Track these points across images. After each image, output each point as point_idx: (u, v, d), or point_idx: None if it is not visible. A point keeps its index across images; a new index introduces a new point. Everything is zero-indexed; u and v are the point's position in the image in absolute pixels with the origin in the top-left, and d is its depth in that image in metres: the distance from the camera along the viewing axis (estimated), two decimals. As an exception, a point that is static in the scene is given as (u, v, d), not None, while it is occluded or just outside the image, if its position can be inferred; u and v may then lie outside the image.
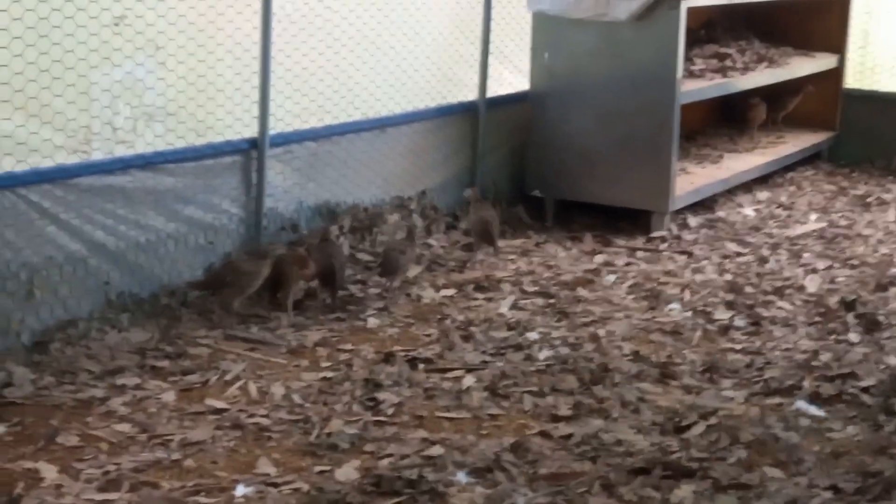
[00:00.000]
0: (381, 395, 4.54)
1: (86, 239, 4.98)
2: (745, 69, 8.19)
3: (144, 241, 5.24)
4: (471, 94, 7.16)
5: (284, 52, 5.90)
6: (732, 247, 6.88)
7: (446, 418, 4.41)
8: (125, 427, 4.19)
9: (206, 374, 4.71)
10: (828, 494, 3.82)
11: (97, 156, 5.14)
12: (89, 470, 3.85)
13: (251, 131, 5.71)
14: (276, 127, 5.83)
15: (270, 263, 5.32)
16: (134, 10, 5.18)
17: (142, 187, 5.21)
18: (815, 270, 6.39)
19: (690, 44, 7.74)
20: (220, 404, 4.43)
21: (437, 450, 4.06)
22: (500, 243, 6.55)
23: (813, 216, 7.59)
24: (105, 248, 5.06)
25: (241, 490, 3.76)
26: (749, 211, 7.68)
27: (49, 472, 3.83)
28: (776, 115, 9.10)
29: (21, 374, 4.52)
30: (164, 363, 4.79)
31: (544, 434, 4.27)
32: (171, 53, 5.39)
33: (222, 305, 5.26)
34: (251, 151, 5.71)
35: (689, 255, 6.71)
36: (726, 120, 9.23)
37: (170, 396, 4.48)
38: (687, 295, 5.94)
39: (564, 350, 5.09)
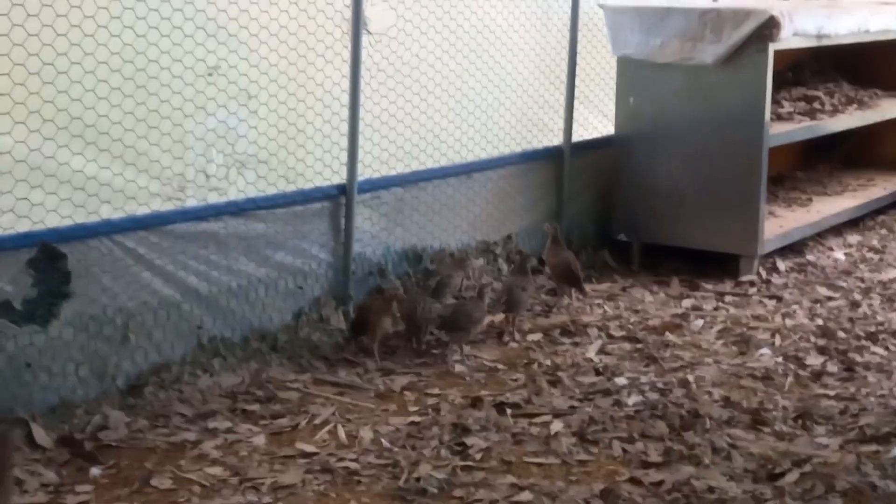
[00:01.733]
0: (468, 440, 4.54)
1: (179, 284, 5.08)
2: (835, 111, 8.10)
3: (236, 286, 5.32)
4: (556, 139, 7.18)
5: (372, 100, 5.98)
6: (823, 291, 6.77)
7: (535, 464, 4.39)
8: (217, 470, 4.24)
9: (295, 417, 4.76)
10: (928, 545, 3.73)
11: (191, 203, 5.24)
12: (183, 512, 3.91)
13: (340, 178, 5.79)
14: (364, 173, 5.90)
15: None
16: (227, 60, 5.30)
17: (234, 233, 5.31)
18: (909, 315, 6.27)
19: (778, 86, 7.68)
20: (309, 448, 4.47)
21: (526, 496, 4.05)
22: (586, 287, 6.53)
23: (905, 259, 7.46)
24: (198, 293, 5.15)
25: (331, 534, 3.79)
26: (839, 255, 7.56)
27: (144, 514, 3.90)
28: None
29: (116, 417, 4.61)
30: (255, 407, 4.85)
31: (634, 480, 4.23)
32: (262, 102, 5.50)
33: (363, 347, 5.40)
34: (340, 197, 5.78)
35: (779, 299, 6.62)
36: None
37: (260, 440, 4.53)
38: (777, 340, 5.86)
39: (653, 395, 5.04)
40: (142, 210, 4.98)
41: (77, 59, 4.66)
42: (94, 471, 4.21)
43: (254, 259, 5.40)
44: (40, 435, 4.34)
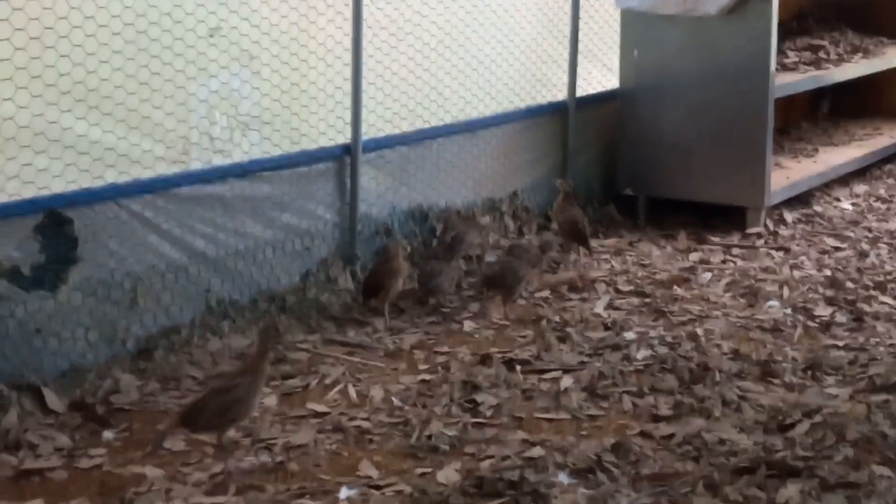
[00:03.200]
0: (479, 397, 4.55)
1: (186, 247, 5.07)
2: (840, 60, 8.05)
3: (243, 248, 5.32)
4: (560, 94, 7.14)
5: (375, 59, 5.95)
6: (831, 242, 6.76)
7: (545, 419, 4.40)
8: (229, 431, 4.25)
9: (306, 378, 4.77)
10: (939, 493, 3.74)
11: (195, 166, 5.23)
12: (196, 474, 3.93)
13: (344, 137, 5.77)
14: (368, 132, 5.87)
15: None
16: (228, 21, 5.26)
17: (239, 195, 5.30)
18: (917, 264, 6.27)
19: (782, 36, 7.63)
20: (321, 408, 4.49)
21: (537, 451, 4.06)
22: (593, 243, 6.52)
23: (913, 209, 7.44)
24: (205, 255, 5.15)
25: (344, 493, 3.80)
26: (847, 205, 7.55)
27: (157, 476, 3.91)
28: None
29: (127, 381, 4.62)
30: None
31: (645, 434, 4.24)
32: (265, 63, 5.47)
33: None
34: (344, 157, 5.77)
35: (787, 251, 6.62)
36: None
37: (272, 401, 4.54)
38: (786, 292, 5.86)
39: (662, 349, 5.05)
40: (147, 174, 4.97)
41: (78, 23, 4.63)
42: (107, 434, 4.23)
43: (260, 221, 5.40)
44: (52, 400, 4.36)
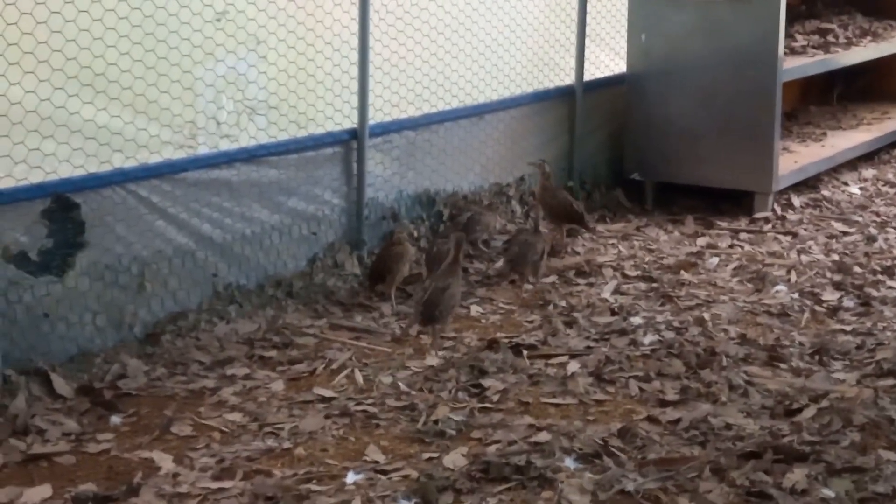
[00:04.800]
0: (486, 382, 4.55)
1: (193, 232, 5.08)
2: (849, 44, 8.02)
3: (250, 233, 5.33)
4: (567, 79, 7.12)
5: (382, 43, 5.93)
6: (838, 226, 6.75)
7: (552, 404, 4.41)
8: (236, 416, 4.27)
9: (313, 363, 4.77)
10: (946, 478, 3.74)
11: (202, 150, 5.23)
12: (203, 459, 3.94)
13: (351, 122, 5.76)
14: (375, 117, 5.87)
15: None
16: (235, 5, 5.25)
17: (246, 180, 5.29)
18: (925, 248, 6.26)
19: (791, 20, 7.60)
20: (327, 393, 4.49)
21: (544, 436, 4.06)
22: (601, 227, 6.50)
23: (921, 193, 7.42)
24: (212, 240, 5.15)
25: (351, 477, 3.81)
26: (854, 189, 7.53)
27: (165, 461, 3.92)
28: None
29: (134, 365, 4.63)
30: (272, 353, 4.86)
31: (652, 419, 4.24)
32: (271, 47, 5.46)
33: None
34: (351, 142, 5.76)
35: (794, 235, 6.60)
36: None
37: (279, 386, 4.55)
38: (793, 276, 5.85)
39: (669, 334, 5.05)
40: (154, 158, 4.97)
41: (84, 7, 4.62)
42: (115, 419, 4.24)
43: (267, 206, 5.40)
44: (60, 384, 4.37)
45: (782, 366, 4.73)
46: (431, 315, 4.97)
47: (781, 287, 5.69)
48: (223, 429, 4.17)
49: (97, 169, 4.72)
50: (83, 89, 4.67)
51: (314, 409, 4.34)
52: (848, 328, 5.17)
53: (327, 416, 4.27)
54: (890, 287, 5.67)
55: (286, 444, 4.04)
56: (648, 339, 4.99)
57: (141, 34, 4.85)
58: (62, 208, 4.58)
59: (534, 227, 5.88)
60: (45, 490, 3.71)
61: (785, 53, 6.95)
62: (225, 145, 5.31)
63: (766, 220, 6.85)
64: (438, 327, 4.99)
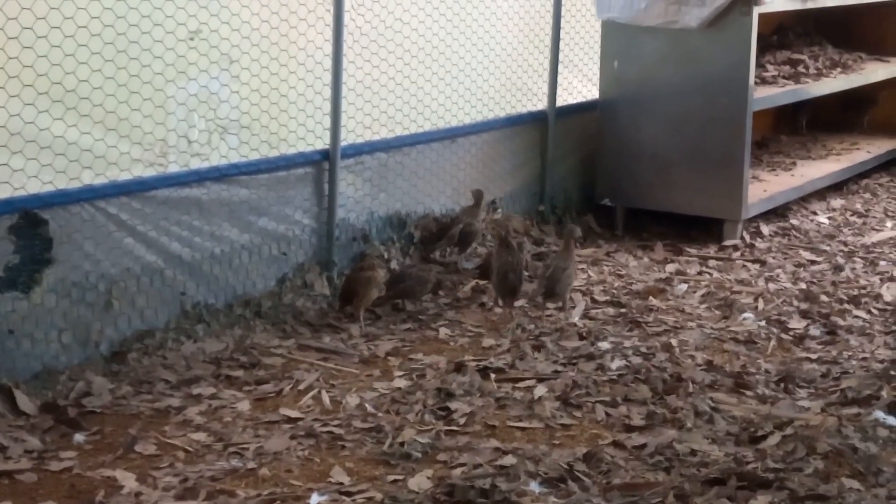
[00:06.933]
0: (452, 405, 4.55)
1: (162, 250, 5.06)
2: (819, 75, 8.10)
3: (219, 253, 5.31)
4: (540, 104, 7.16)
5: (355, 65, 5.95)
6: (806, 255, 6.80)
7: (518, 428, 4.41)
8: (201, 436, 4.25)
9: (279, 383, 4.76)
10: (908, 507, 3.76)
11: (173, 168, 5.22)
12: (167, 478, 3.91)
13: (323, 143, 5.77)
14: (347, 138, 5.88)
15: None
16: (209, 24, 5.25)
17: (217, 199, 5.29)
18: (891, 278, 6.31)
19: (762, 50, 7.67)
20: (294, 413, 4.48)
21: (509, 459, 4.06)
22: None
23: (889, 223, 7.48)
24: (181, 259, 5.14)
25: (315, 499, 3.80)
26: (823, 219, 7.59)
27: (128, 480, 3.89)
28: (860, 120, 9.09)
29: (100, 383, 4.60)
30: (239, 373, 4.85)
31: (617, 444, 4.25)
32: (244, 67, 5.46)
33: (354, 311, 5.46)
34: (323, 163, 5.76)
35: (763, 263, 6.65)
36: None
37: (244, 406, 4.53)
38: (760, 304, 5.89)
39: (637, 360, 5.06)
40: (124, 176, 4.96)
41: (57, 24, 4.61)
42: (78, 437, 4.21)
43: (237, 225, 5.39)
44: (23, 401, 4.34)
45: (748, 393, 4.75)
46: (553, 290, 5.54)
47: (749, 314, 5.72)
48: (188, 448, 4.15)
49: (66, 185, 4.71)
50: (54, 105, 4.66)
51: (280, 430, 4.32)
52: (814, 356, 5.20)
53: (293, 437, 4.25)
54: (856, 316, 5.71)
55: (251, 465, 4.02)
56: (616, 364, 5.00)
57: (113, 51, 4.85)
58: (30, 224, 4.55)
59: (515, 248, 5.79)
60: (5, 508, 3.69)
61: (756, 83, 7.02)
62: (196, 164, 5.31)
63: (735, 248, 6.89)
64: (554, 301, 5.53)
